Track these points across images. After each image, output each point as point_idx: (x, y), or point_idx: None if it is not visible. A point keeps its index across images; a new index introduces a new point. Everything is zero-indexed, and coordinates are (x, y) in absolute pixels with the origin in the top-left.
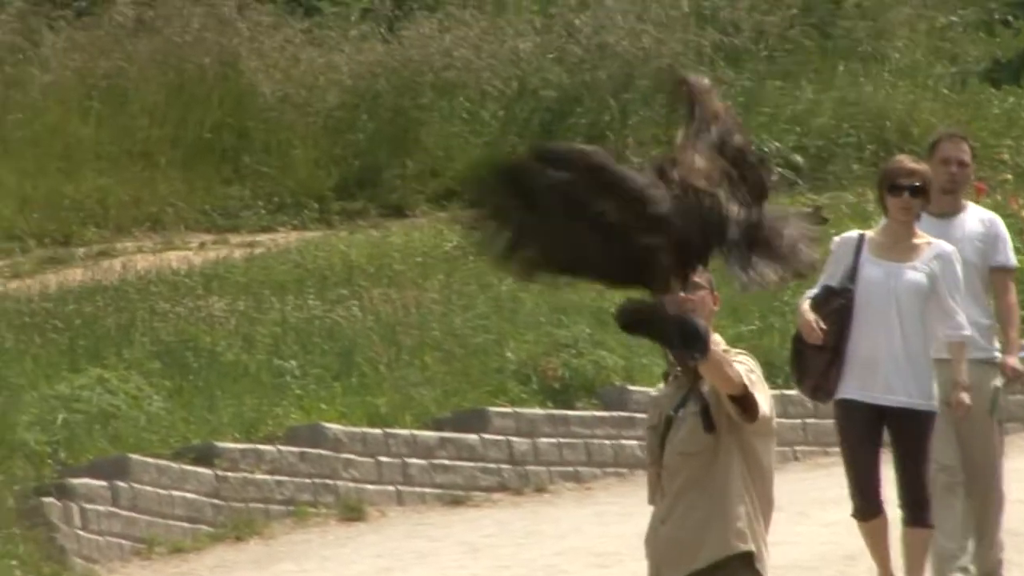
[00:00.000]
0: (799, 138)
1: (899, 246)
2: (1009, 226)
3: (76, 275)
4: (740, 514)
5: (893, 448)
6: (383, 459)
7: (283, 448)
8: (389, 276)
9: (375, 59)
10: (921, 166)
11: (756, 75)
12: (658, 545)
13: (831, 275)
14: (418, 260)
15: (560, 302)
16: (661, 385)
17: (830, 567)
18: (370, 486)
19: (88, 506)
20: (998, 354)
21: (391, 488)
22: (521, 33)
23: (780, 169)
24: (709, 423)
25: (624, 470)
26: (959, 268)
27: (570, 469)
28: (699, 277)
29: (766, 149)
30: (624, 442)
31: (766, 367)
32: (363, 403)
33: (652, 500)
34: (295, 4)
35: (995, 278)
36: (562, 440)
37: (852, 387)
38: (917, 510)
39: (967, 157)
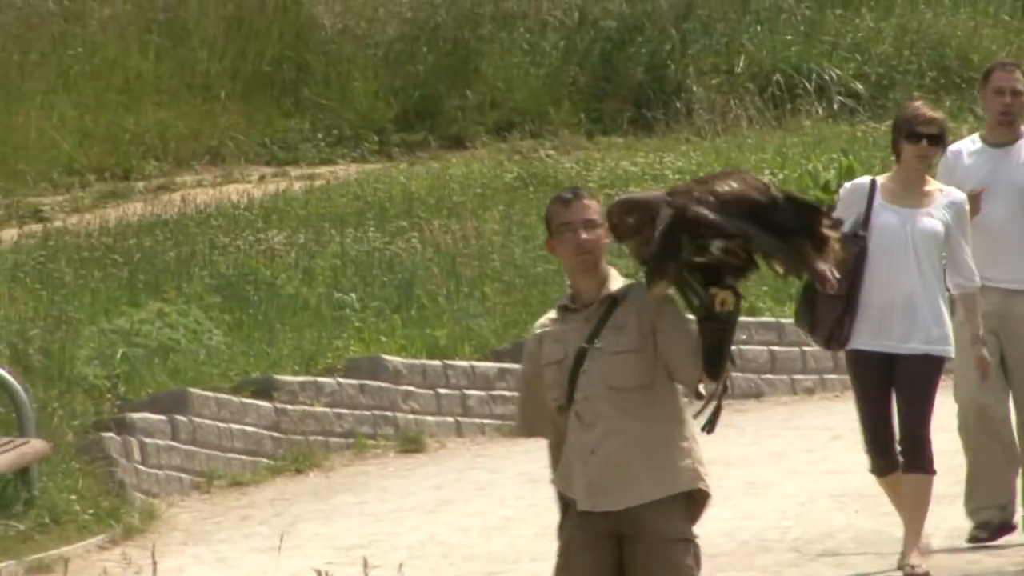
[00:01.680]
0: (859, 66)
1: (912, 192)
2: None
3: (136, 209)
4: (689, 450)
5: (899, 391)
6: (442, 391)
7: (342, 380)
8: (449, 208)
9: None
10: (939, 114)
11: (816, 3)
12: (591, 475)
13: (843, 222)
14: (478, 191)
15: None
16: (543, 320)
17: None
18: (430, 418)
19: (147, 440)
20: None
21: (450, 420)
22: None
23: (841, 98)
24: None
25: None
26: (969, 217)
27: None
28: (595, 214)
29: (827, 77)
30: None
31: None
32: (422, 335)
33: (537, 432)
34: None
35: None
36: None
37: (866, 336)
38: (917, 453)
39: (1021, 86)
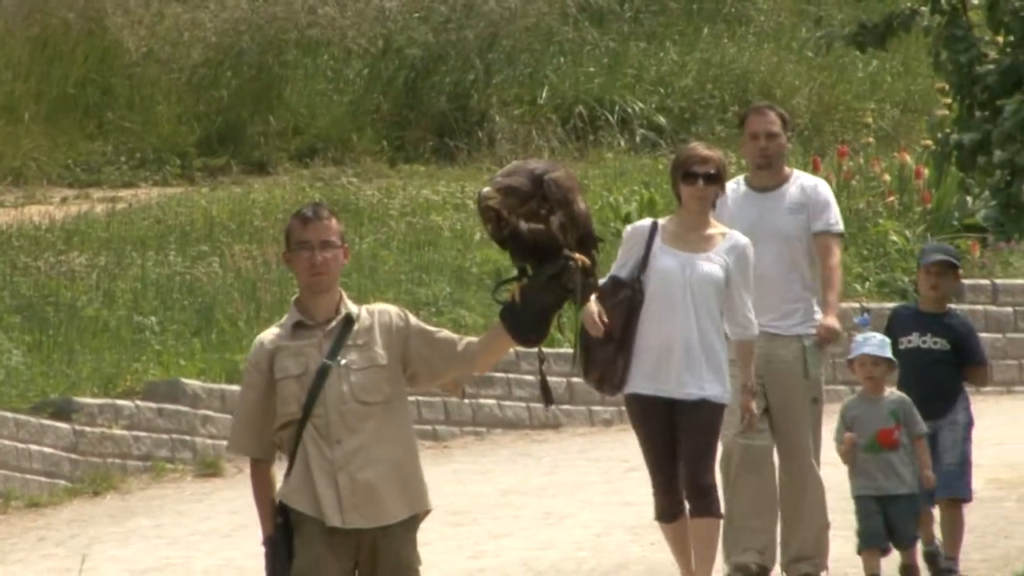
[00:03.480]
0: (662, 99)
1: (693, 235)
2: (871, 189)
3: None
4: (419, 468)
5: (682, 438)
6: None
7: (141, 403)
8: (250, 233)
9: (240, 16)
10: (715, 153)
11: (620, 36)
12: (341, 492)
13: (621, 265)
14: (279, 217)
15: (421, 261)
16: (272, 334)
17: None
18: (227, 442)
19: None
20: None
21: None
22: None
23: (643, 131)
24: (549, 397)
25: (482, 429)
26: (752, 262)
27: (428, 428)
28: (333, 234)
29: (630, 110)
30: (482, 401)
31: None
32: (222, 359)
33: (251, 449)
34: None
35: (819, 242)
36: (420, 399)
37: (643, 381)
38: (702, 499)
39: (776, 128)
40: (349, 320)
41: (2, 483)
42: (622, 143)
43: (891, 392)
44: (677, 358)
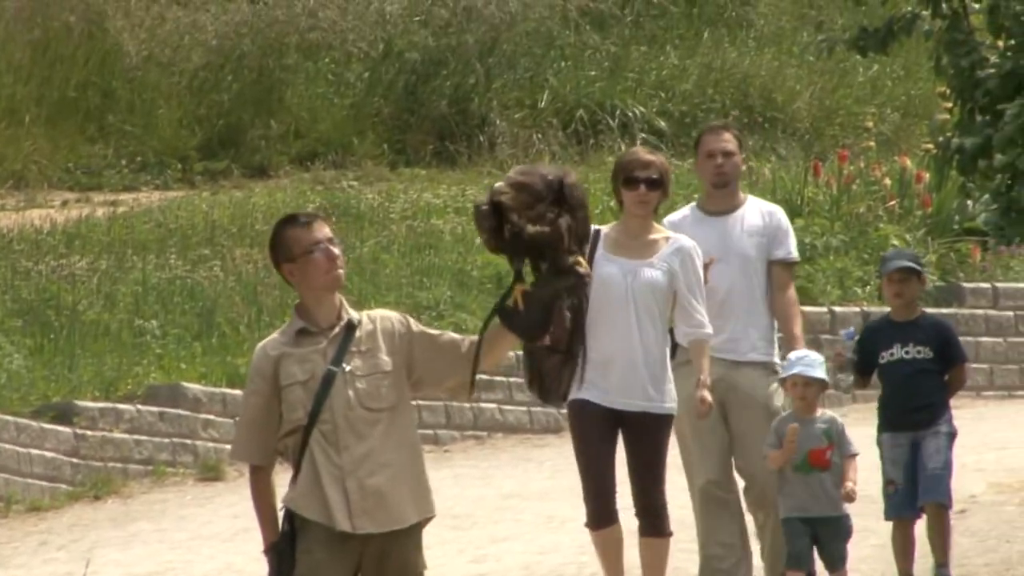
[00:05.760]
0: (663, 103)
1: (636, 242)
2: (872, 193)
3: None
4: (425, 473)
5: (628, 453)
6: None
7: (142, 407)
8: (251, 236)
9: (240, 19)
10: (657, 157)
11: (621, 40)
12: (351, 497)
13: None
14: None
15: (422, 264)
16: (275, 341)
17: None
18: (229, 446)
19: None
20: (777, 359)
21: None
22: None
23: (644, 135)
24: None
25: (482, 433)
26: (700, 263)
27: (429, 432)
28: (332, 233)
29: (630, 114)
30: (483, 405)
31: None
32: (223, 363)
33: (257, 456)
34: None
35: (775, 272)
36: (421, 403)
37: (587, 389)
38: (653, 517)
39: (732, 146)
40: (351, 326)
41: (3, 487)
42: (623, 147)
43: (823, 412)
44: (620, 368)
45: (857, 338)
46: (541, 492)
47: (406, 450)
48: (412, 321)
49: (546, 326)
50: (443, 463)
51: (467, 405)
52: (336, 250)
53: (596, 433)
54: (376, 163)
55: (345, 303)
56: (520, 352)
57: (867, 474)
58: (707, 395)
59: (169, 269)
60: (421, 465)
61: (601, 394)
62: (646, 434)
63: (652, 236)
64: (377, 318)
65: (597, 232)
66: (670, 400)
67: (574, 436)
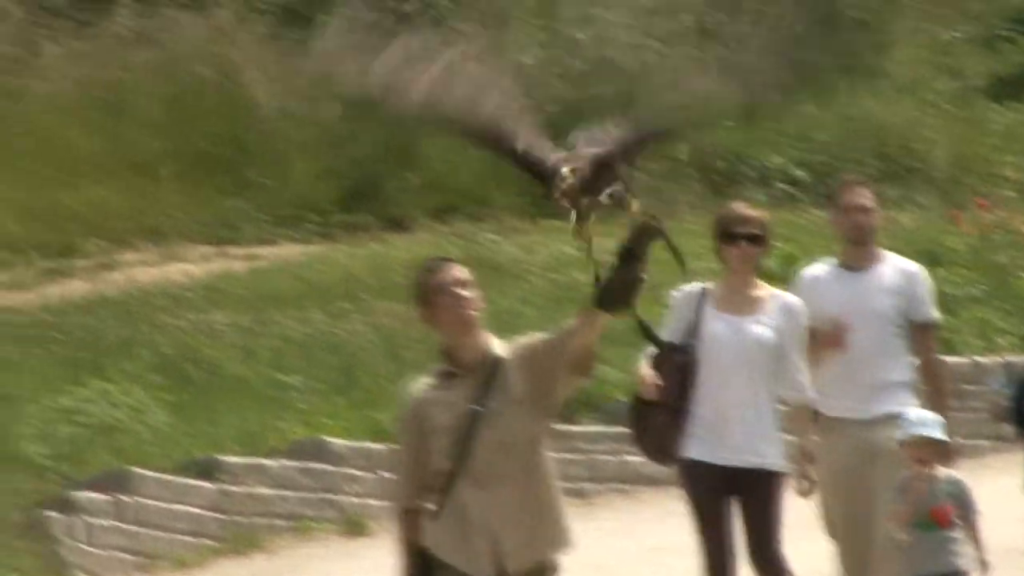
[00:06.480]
0: (801, 153)
1: (741, 298)
2: (1013, 243)
3: (77, 287)
4: (562, 509)
5: (742, 510)
6: (386, 474)
7: (285, 462)
8: (391, 290)
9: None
10: (757, 212)
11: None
12: (497, 538)
13: (672, 330)
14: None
15: (563, 316)
16: (421, 385)
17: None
18: (372, 501)
19: (91, 520)
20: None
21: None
22: (523, 47)
23: (781, 184)
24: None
25: (626, 486)
26: (804, 322)
27: (573, 485)
28: (468, 275)
29: (768, 165)
30: (627, 458)
31: None
32: (366, 417)
33: (415, 502)
34: (294, 15)
35: (916, 334)
36: (565, 456)
37: (697, 448)
38: (774, 570)
39: (869, 202)
40: (496, 364)
41: (148, 543)
42: (761, 197)
43: (947, 472)
44: (731, 425)
45: (1009, 390)
46: (684, 545)
47: (545, 486)
48: (525, 339)
49: (628, 300)
50: (587, 515)
51: (610, 457)
52: (465, 292)
53: (710, 494)
54: (515, 215)
55: (492, 341)
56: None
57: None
58: (812, 473)
59: (309, 323)
60: (557, 499)
61: (712, 452)
62: (761, 490)
63: (756, 292)
64: (512, 350)
65: (703, 290)
66: (782, 456)
67: (687, 497)
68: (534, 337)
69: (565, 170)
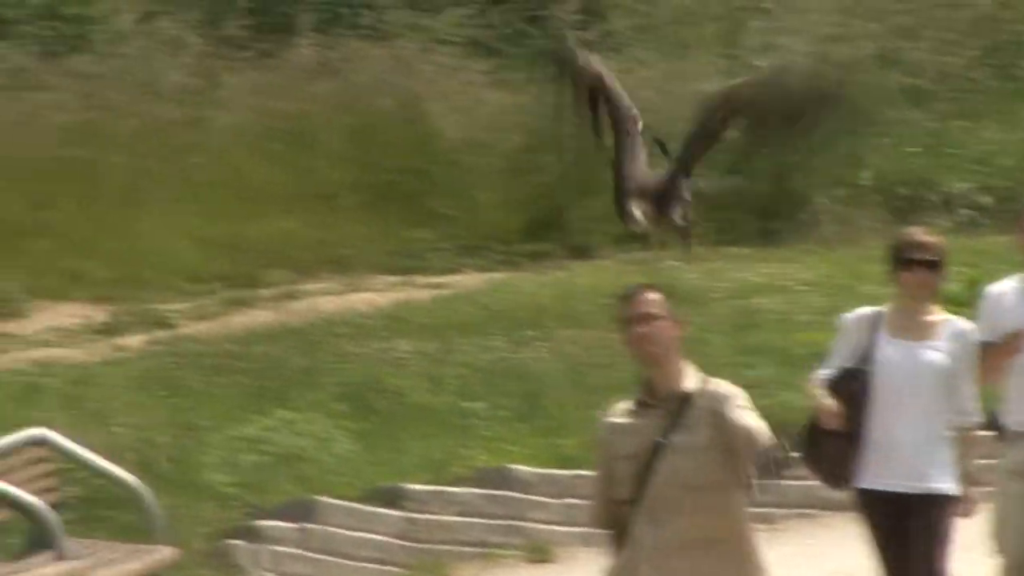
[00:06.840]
0: (984, 178)
1: (915, 323)
2: None
3: (261, 317)
4: (756, 554)
5: (912, 537)
6: (571, 500)
7: (471, 490)
8: (575, 317)
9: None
10: (934, 238)
11: (940, 116)
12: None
13: (845, 355)
14: (604, 301)
15: (747, 342)
16: (616, 412)
17: None
18: (559, 527)
19: (277, 548)
20: None
21: (579, 530)
22: (704, 74)
23: (965, 210)
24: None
25: (813, 511)
26: (975, 347)
27: (762, 510)
28: (654, 307)
29: (951, 190)
30: (813, 483)
31: None
32: (551, 445)
33: (609, 523)
34: (478, 45)
35: None
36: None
37: (872, 475)
38: None
39: None
40: (686, 400)
41: (334, 571)
42: (945, 223)
43: None
44: (904, 451)
45: None
46: (863, 570)
47: (728, 529)
48: (733, 400)
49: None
50: (775, 541)
51: (796, 483)
52: (646, 328)
53: (884, 520)
54: (698, 242)
55: (689, 373)
56: None
57: None
58: (974, 494)
59: (494, 351)
60: (750, 546)
61: (885, 479)
62: (931, 516)
63: (930, 317)
64: (714, 391)
65: (877, 313)
66: (953, 480)
67: (864, 525)
68: (731, 399)
69: (638, 213)
